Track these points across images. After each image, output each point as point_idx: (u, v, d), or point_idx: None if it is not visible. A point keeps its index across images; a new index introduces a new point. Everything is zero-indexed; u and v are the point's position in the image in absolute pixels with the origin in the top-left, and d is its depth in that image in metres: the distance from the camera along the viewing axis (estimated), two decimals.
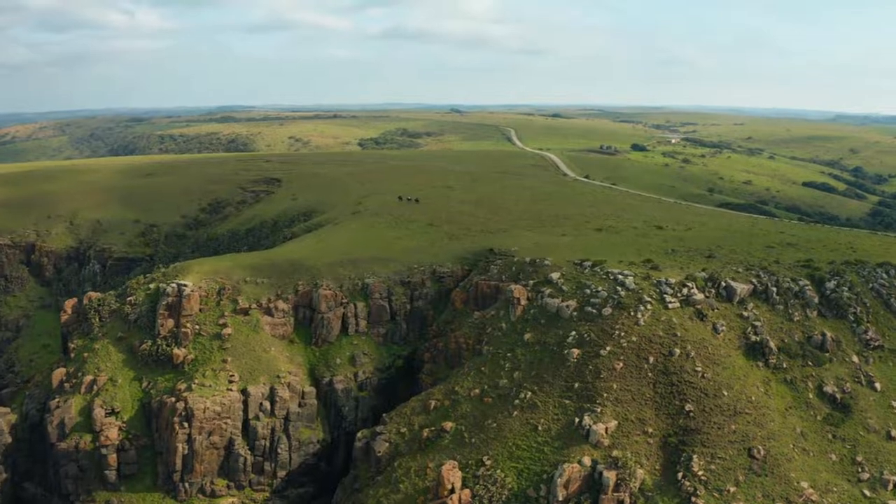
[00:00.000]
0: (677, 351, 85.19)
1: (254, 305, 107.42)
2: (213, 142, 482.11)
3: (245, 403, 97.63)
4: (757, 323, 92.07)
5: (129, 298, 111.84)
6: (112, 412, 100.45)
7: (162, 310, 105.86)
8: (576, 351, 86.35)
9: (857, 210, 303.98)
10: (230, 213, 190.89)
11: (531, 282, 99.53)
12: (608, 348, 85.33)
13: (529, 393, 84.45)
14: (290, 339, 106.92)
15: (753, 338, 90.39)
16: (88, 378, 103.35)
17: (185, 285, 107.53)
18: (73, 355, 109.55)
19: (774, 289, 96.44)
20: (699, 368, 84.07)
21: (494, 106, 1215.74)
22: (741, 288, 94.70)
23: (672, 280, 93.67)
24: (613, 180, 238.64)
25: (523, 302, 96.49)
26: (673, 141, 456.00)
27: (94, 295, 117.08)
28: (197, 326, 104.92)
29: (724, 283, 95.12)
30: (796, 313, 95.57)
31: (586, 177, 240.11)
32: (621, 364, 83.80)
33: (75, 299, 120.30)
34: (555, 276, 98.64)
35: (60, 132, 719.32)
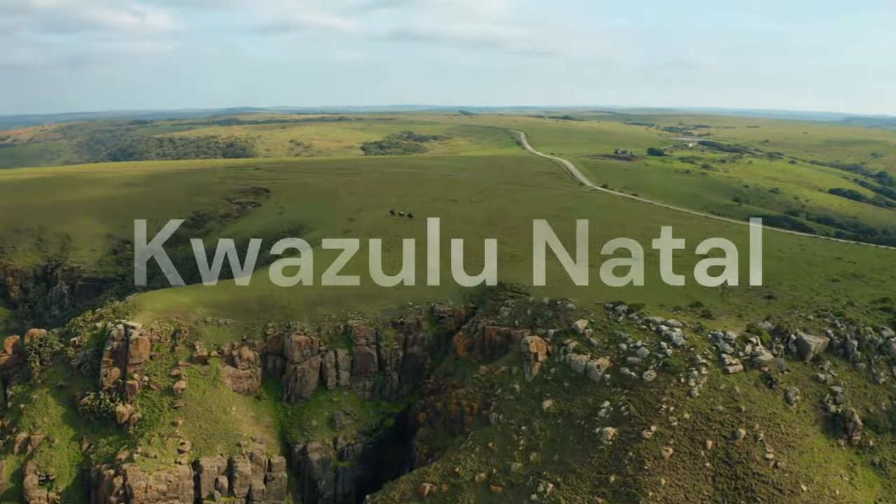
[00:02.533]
0: (742, 432, 66.21)
1: (214, 352, 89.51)
2: (210, 146, 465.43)
3: (197, 480, 79.77)
4: (836, 388, 73.05)
5: (73, 339, 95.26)
6: (46, 479, 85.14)
7: (107, 356, 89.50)
8: (610, 430, 67.38)
9: (891, 220, 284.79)
10: (212, 227, 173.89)
11: (551, 331, 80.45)
12: (653, 428, 66.29)
13: (551, 485, 65.55)
14: (257, 394, 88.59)
15: (833, 408, 71.47)
16: (22, 436, 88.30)
17: (132, 327, 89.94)
18: (10, 405, 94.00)
19: (855, 342, 77.14)
20: (770, 455, 65.06)
21: (503, 108, 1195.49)
22: (815, 342, 75.52)
23: (732, 334, 74.38)
24: (634, 190, 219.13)
25: (542, 357, 77.47)
26: (690, 145, 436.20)
27: (36, 333, 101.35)
28: (146, 378, 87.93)
29: (793, 336, 75.90)
30: (882, 373, 76.53)
31: (604, 186, 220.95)
32: (671, 451, 64.80)
33: (17, 337, 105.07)
34: (581, 324, 79.49)
35: (62, 135, 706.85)
